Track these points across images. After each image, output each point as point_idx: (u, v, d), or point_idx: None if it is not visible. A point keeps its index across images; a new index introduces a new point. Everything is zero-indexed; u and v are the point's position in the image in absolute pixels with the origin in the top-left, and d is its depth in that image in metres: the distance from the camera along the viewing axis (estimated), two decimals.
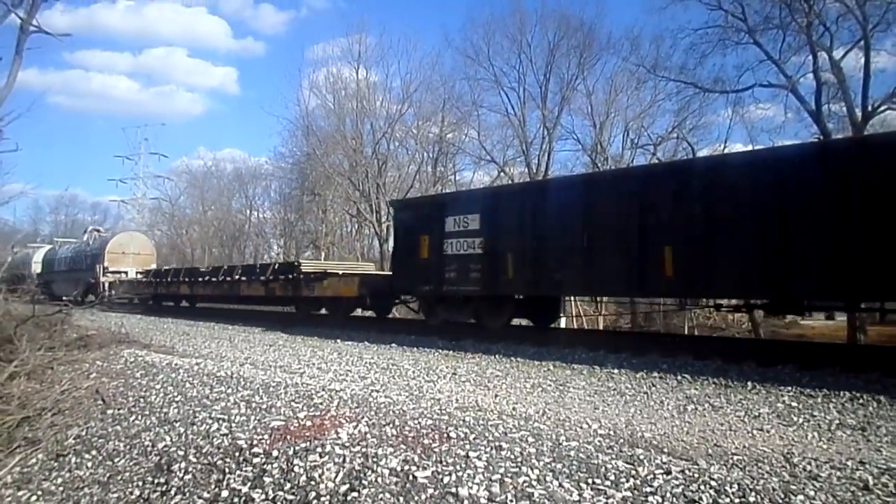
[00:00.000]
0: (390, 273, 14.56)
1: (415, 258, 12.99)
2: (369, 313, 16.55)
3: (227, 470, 4.50)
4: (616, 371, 8.29)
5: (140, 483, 4.80)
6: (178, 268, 25.97)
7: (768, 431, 5.34)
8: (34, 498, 5.19)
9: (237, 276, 18.73)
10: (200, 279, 20.66)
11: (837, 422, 5.66)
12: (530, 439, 4.48)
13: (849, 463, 4.20)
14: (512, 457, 4.09)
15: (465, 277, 11.99)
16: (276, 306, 19.38)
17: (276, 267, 17.45)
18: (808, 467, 4.11)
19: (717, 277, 8.75)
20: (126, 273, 27.41)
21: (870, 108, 23.53)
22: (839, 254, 7.76)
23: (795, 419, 5.78)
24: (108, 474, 5.12)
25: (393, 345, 11.59)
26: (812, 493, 3.54)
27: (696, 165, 12.36)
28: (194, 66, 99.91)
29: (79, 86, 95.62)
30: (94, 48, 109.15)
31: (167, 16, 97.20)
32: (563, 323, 16.28)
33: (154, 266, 28.39)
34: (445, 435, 4.57)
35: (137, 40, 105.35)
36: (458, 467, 3.93)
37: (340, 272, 15.35)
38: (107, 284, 26.61)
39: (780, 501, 3.41)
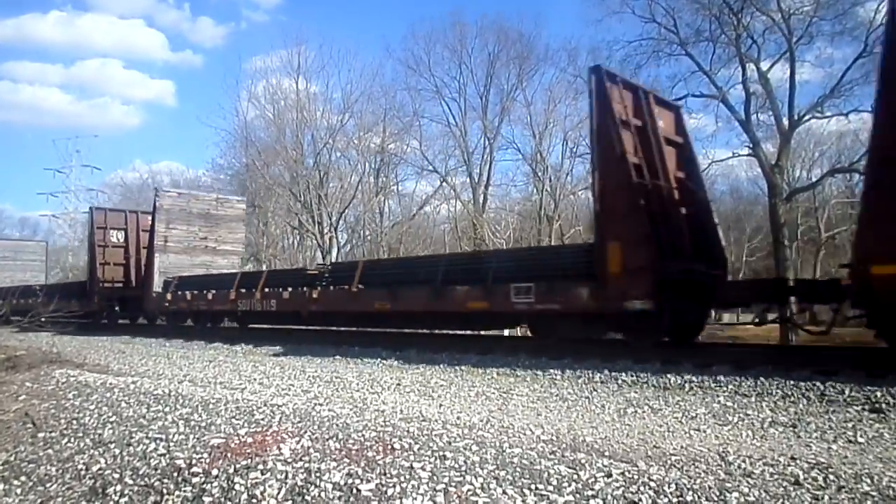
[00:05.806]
0: None
1: None
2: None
3: (164, 491, 4.37)
4: (558, 377, 8.41)
5: None
6: None
7: (705, 431, 5.49)
8: None
9: None
10: None
11: (770, 420, 5.86)
12: (474, 447, 4.49)
13: (781, 459, 4.35)
14: (456, 466, 4.09)
15: None
16: None
17: None
18: (743, 465, 4.24)
19: None
20: None
21: (796, 118, 24.66)
22: None
23: (730, 418, 5.95)
24: (38, 500, 4.90)
25: (337, 357, 11.49)
26: (746, 489, 3.65)
27: None
28: (130, 78, 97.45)
29: (6, 98, 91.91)
30: (23, 59, 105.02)
31: (102, 27, 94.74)
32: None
33: None
34: (390, 446, 4.54)
35: (70, 52, 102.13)
36: (402, 479, 3.91)
37: None
38: None
39: (717, 499, 3.50)
